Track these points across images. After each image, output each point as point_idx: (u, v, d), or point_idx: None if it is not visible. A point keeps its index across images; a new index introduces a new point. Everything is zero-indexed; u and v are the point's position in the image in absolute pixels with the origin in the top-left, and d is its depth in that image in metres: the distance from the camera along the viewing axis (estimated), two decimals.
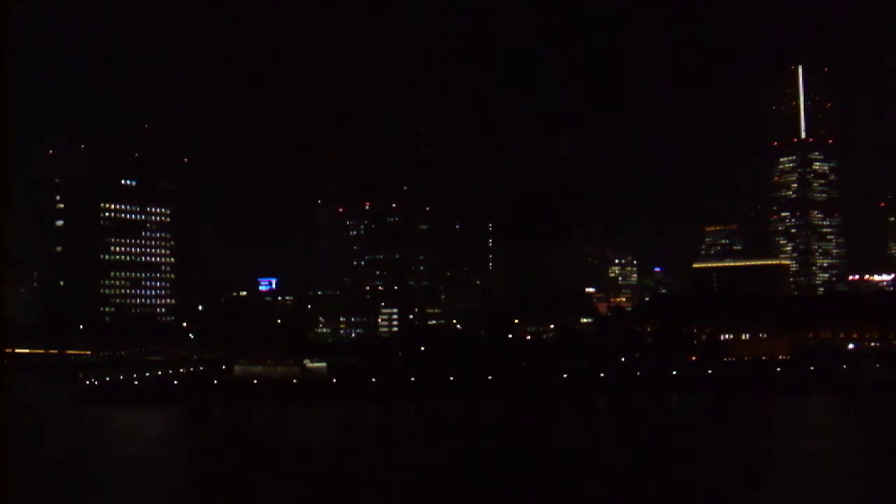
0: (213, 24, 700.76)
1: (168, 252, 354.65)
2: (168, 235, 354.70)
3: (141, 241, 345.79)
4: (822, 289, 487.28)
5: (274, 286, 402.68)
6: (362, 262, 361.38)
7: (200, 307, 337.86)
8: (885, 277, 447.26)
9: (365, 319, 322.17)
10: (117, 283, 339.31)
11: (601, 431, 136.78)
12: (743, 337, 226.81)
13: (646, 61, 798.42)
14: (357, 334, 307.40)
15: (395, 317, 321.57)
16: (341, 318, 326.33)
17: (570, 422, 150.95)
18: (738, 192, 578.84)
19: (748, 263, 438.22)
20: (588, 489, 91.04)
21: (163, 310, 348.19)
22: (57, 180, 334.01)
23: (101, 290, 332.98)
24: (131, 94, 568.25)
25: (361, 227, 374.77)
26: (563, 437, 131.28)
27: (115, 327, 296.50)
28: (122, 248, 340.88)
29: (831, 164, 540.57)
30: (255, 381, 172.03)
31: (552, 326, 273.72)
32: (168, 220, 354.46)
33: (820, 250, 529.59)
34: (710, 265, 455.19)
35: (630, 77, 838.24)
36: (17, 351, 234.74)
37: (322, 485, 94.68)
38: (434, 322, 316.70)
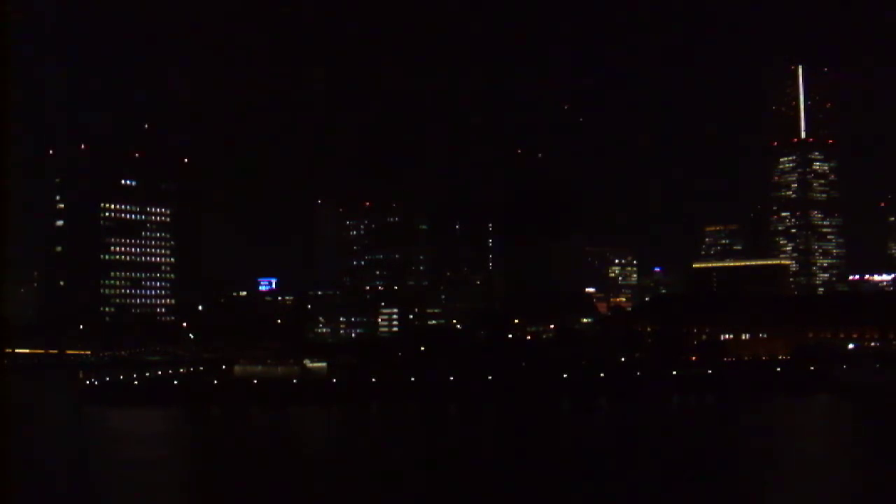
0: (214, 23, 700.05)
1: (168, 252, 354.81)
2: (168, 235, 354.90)
3: (141, 241, 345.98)
4: (822, 289, 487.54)
5: (274, 286, 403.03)
6: (362, 262, 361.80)
7: (200, 307, 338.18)
8: (885, 277, 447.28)
9: (365, 319, 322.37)
10: (117, 283, 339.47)
11: (601, 431, 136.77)
12: (743, 337, 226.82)
13: (646, 61, 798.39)
14: (357, 334, 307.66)
15: (395, 317, 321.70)
16: (341, 318, 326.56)
17: (571, 422, 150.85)
18: (738, 192, 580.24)
19: (748, 263, 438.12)
20: (588, 489, 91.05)
21: (163, 310, 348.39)
22: (57, 180, 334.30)
23: (101, 290, 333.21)
24: (132, 93, 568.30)
25: (361, 227, 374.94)
26: (563, 436, 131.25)
27: (115, 327, 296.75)
28: (122, 248, 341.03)
29: (831, 164, 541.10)
30: (255, 381, 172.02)
31: (552, 326, 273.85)
32: (168, 220, 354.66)
33: (820, 250, 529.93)
34: (710, 265, 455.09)
35: (630, 76, 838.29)
36: (17, 351, 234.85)
37: (321, 485, 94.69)
38: (434, 322, 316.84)
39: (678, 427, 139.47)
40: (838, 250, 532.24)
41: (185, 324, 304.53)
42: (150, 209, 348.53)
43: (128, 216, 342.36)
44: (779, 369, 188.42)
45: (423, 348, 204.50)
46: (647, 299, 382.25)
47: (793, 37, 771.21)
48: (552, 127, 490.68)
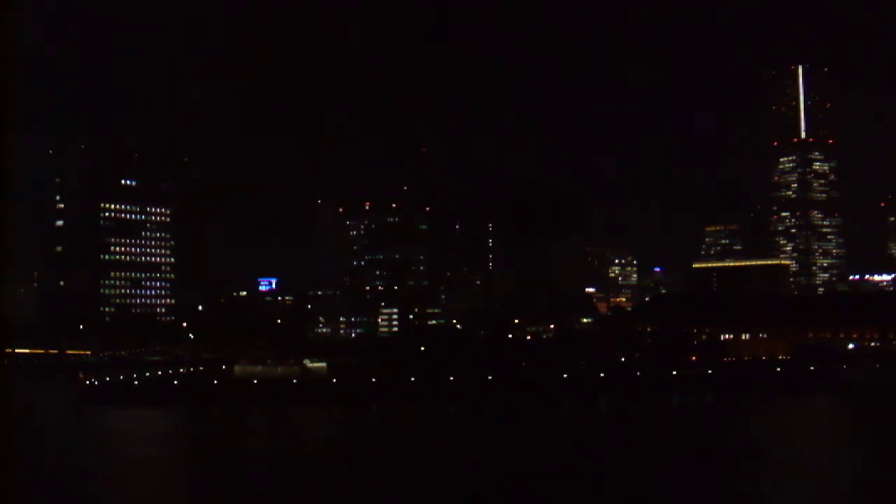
0: (215, 23, 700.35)
1: (168, 252, 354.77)
2: (168, 235, 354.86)
3: (141, 241, 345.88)
4: (822, 289, 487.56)
5: (274, 286, 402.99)
6: (362, 262, 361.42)
7: (200, 307, 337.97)
8: (885, 277, 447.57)
9: (365, 319, 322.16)
10: (117, 283, 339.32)
11: (601, 431, 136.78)
12: (743, 337, 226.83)
13: (646, 61, 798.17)
14: (357, 334, 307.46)
15: (395, 317, 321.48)
16: (341, 318, 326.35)
17: (571, 422, 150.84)
18: (738, 192, 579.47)
19: (748, 263, 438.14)
20: (588, 489, 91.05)
21: (163, 310, 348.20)
22: (57, 180, 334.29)
23: (101, 290, 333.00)
24: (131, 93, 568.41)
25: (361, 227, 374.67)
26: (563, 436, 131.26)
27: (115, 327, 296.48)
28: (122, 248, 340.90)
29: (831, 164, 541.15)
30: (255, 381, 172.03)
31: (552, 326, 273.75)
32: (168, 220, 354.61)
33: (820, 250, 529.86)
34: (710, 265, 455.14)
35: (630, 76, 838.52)
36: (17, 351, 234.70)
37: (321, 485, 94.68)
38: (434, 322, 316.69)
39: (678, 427, 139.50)
40: (838, 250, 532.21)
41: (185, 324, 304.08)
42: (150, 209, 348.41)
43: (128, 216, 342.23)
44: (779, 369, 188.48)
45: (423, 348, 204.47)
46: (647, 299, 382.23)
47: (793, 37, 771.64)
48: (552, 127, 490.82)
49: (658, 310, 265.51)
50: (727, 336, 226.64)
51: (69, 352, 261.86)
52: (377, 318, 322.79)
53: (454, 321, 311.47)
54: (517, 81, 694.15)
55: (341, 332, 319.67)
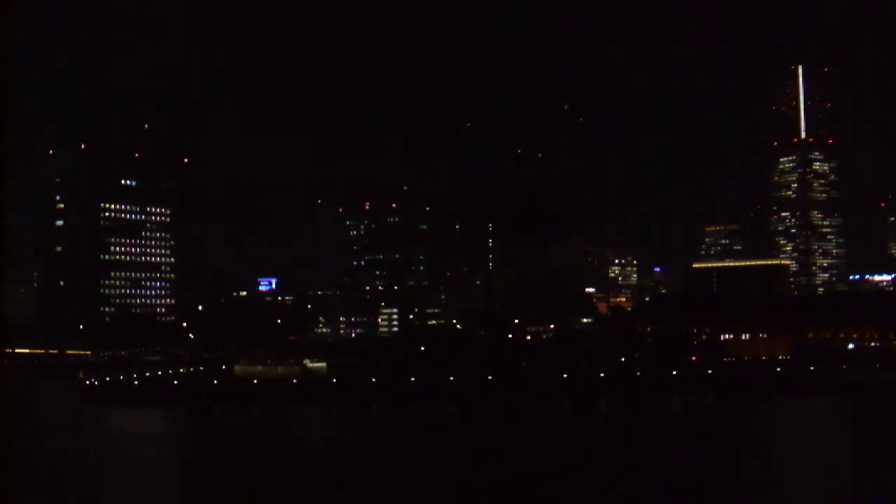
0: (214, 21, 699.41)
1: (168, 252, 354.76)
2: (168, 235, 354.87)
3: (141, 241, 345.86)
4: (822, 289, 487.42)
5: (274, 286, 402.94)
6: (362, 262, 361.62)
7: (200, 307, 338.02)
8: (885, 277, 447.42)
9: (365, 319, 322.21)
10: (117, 283, 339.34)
11: (601, 432, 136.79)
12: (743, 337, 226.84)
13: (646, 60, 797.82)
14: (357, 334, 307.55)
15: (395, 317, 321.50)
16: (341, 318, 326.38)
17: (571, 422, 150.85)
18: (738, 192, 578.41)
19: (748, 263, 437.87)
20: (588, 489, 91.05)
21: (163, 310, 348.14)
22: (57, 180, 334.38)
23: (101, 290, 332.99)
24: (131, 93, 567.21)
25: (361, 227, 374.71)
26: (563, 436, 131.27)
27: (115, 327, 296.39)
28: (122, 248, 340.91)
29: (831, 164, 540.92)
30: (255, 381, 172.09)
31: (552, 326, 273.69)
32: (168, 220, 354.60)
33: (820, 250, 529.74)
34: (710, 265, 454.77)
35: (630, 76, 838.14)
36: (17, 351, 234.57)
37: (321, 485, 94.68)
38: (434, 322, 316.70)
39: (678, 427, 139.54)
40: (838, 250, 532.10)
41: (185, 324, 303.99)
42: (150, 209, 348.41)
43: (128, 216, 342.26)
44: (779, 369, 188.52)
45: (423, 348, 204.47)
46: (647, 299, 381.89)
47: (793, 37, 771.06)
48: (552, 127, 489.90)
49: (658, 310, 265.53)
50: (727, 336, 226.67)
51: (69, 352, 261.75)
52: (377, 318, 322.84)
53: (454, 321, 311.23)
54: (517, 81, 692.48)
55: (341, 332, 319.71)
